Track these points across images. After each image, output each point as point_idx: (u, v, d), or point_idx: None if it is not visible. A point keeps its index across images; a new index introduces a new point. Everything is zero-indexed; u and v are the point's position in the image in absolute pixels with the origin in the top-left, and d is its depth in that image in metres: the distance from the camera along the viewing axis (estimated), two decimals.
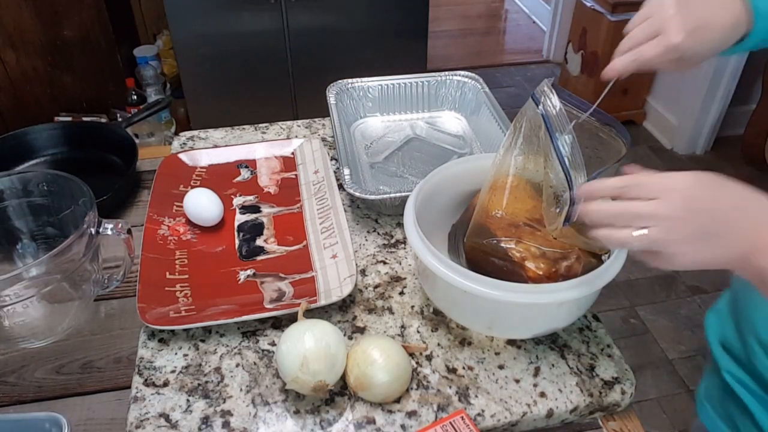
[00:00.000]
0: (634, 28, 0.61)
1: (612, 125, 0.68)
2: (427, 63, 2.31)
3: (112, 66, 2.30)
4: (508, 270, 0.68)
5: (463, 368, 0.71)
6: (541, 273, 0.67)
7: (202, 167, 1.00)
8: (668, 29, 0.59)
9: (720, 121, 2.62)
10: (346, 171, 0.90)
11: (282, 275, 0.81)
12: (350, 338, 0.75)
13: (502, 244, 0.68)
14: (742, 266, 0.50)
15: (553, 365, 0.72)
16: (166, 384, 0.70)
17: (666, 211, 0.49)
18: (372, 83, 1.12)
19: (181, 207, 0.90)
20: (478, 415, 0.67)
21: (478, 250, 0.71)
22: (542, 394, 0.69)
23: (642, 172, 0.54)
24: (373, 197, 0.87)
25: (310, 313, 0.74)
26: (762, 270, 0.49)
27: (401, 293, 0.81)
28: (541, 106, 0.64)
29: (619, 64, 0.61)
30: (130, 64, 2.41)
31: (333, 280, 0.79)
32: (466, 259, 0.72)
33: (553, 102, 0.64)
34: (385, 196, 0.87)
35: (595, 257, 0.68)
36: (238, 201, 0.95)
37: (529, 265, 0.67)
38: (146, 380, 0.70)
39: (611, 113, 0.68)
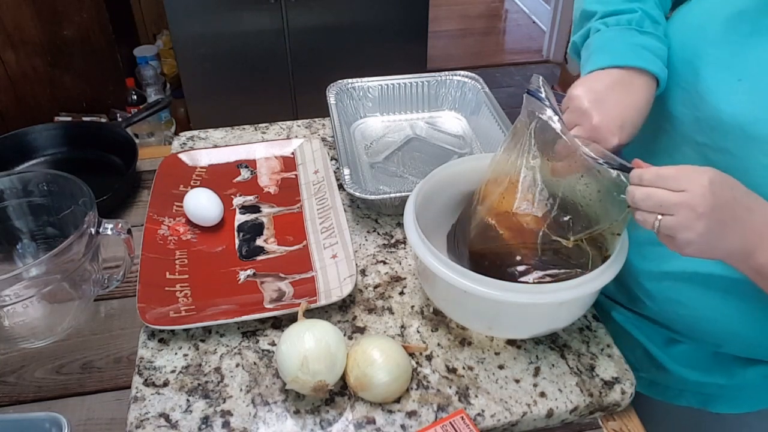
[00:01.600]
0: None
1: None
2: (427, 63, 2.31)
3: (112, 66, 2.30)
4: (511, 273, 0.68)
5: (463, 368, 0.71)
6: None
7: (202, 167, 1.00)
8: (601, 138, 0.63)
9: None
10: (346, 171, 0.90)
11: (282, 275, 0.81)
12: (350, 338, 0.75)
13: (509, 250, 0.68)
14: (741, 261, 0.55)
15: (553, 365, 0.72)
16: (166, 384, 0.70)
17: (690, 202, 0.53)
18: (372, 83, 1.12)
19: (181, 207, 0.90)
20: (478, 415, 0.67)
21: (484, 253, 0.70)
22: (542, 394, 0.69)
23: (650, 165, 0.57)
24: (373, 197, 0.87)
25: (310, 313, 0.74)
26: (760, 265, 0.55)
27: (401, 293, 0.81)
28: (548, 106, 0.65)
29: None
30: (130, 64, 2.41)
31: (333, 280, 0.79)
32: (470, 259, 0.72)
33: (554, 99, 0.65)
34: (385, 196, 0.87)
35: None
36: (238, 201, 0.95)
37: (533, 275, 0.67)
38: (146, 380, 0.70)
39: None
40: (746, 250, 0.54)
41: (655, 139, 0.71)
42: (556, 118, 0.65)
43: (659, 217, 0.54)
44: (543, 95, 0.65)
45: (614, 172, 0.61)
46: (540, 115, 0.66)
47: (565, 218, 0.67)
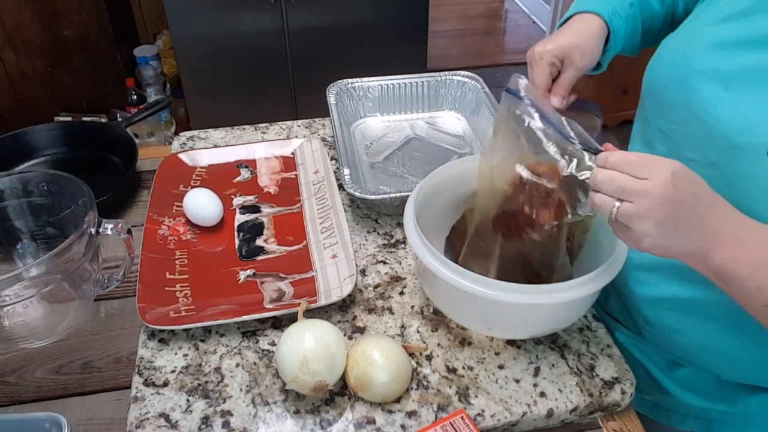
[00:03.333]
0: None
1: (582, 107, 0.71)
2: (427, 63, 2.31)
3: (112, 66, 2.30)
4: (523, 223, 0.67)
5: (463, 368, 0.71)
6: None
7: (202, 167, 1.00)
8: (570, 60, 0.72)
9: None
10: (346, 171, 0.90)
11: (282, 275, 0.81)
12: (350, 338, 0.75)
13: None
14: (698, 260, 0.55)
15: (553, 365, 0.72)
16: (166, 384, 0.70)
17: (651, 192, 0.52)
18: (372, 83, 1.12)
19: (181, 207, 0.90)
20: (478, 415, 0.67)
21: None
22: (542, 394, 0.69)
23: (619, 150, 0.57)
24: (373, 197, 0.87)
25: (310, 313, 0.74)
26: (717, 266, 0.54)
27: (401, 293, 0.81)
28: (528, 102, 0.65)
29: (557, 101, 0.72)
30: (130, 64, 2.41)
31: (333, 280, 0.79)
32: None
33: (533, 95, 0.66)
34: (385, 196, 0.87)
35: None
36: (238, 201, 0.95)
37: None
38: (146, 380, 0.70)
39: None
40: (703, 249, 0.54)
41: None
42: (532, 110, 0.65)
43: (617, 204, 0.54)
44: (522, 94, 0.66)
45: (586, 156, 0.60)
46: (517, 111, 0.66)
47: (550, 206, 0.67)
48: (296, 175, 0.99)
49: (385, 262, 0.85)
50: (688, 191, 0.53)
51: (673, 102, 0.66)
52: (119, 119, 1.17)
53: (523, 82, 0.68)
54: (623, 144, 0.79)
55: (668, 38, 0.71)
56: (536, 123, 0.64)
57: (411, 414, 0.66)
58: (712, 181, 0.57)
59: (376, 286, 0.82)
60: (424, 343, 0.74)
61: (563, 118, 0.65)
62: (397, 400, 0.68)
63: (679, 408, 0.79)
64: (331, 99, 1.08)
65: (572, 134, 0.63)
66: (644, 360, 0.80)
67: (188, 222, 0.89)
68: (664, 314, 0.72)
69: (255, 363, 0.72)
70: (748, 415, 0.74)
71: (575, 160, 0.61)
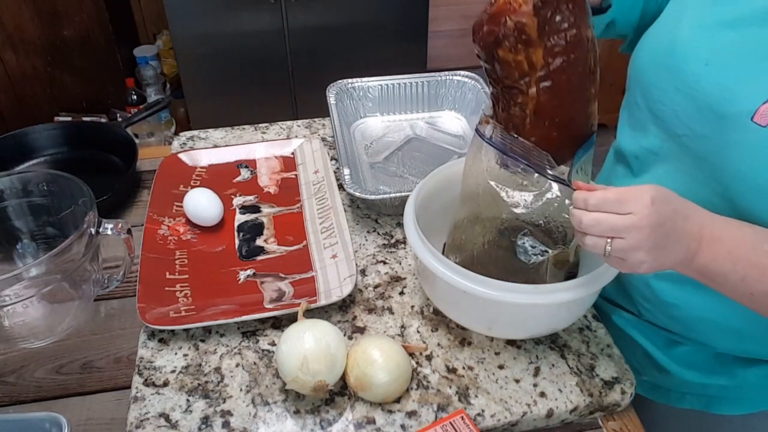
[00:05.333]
0: None
1: None
2: (427, 63, 2.30)
3: (112, 66, 2.30)
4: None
5: (463, 368, 0.71)
6: None
7: (202, 167, 1.00)
8: None
9: None
10: (346, 171, 0.90)
11: (282, 275, 0.81)
12: (350, 338, 0.75)
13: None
14: (686, 266, 0.59)
15: (553, 365, 0.72)
16: (166, 384, 0.70)
17: (639, 224, 0.55)
18: (372, 83, 1.12)
19: (181, 207, 0.90)
20: (478, 415, 0.67)
21: None
22: (542, 394, 0.69)
23: (597, 188, 0.59)
24: (373, 197, 0.87)
25: (310, 313, 0.74)
26: (702, 266, 0.58)
27: (401, 293, 0.81)
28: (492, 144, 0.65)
29: None
30: (130, 64, 2.41)
31: (333, 280, 0.79)
32: None
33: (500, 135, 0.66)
34: (385, 196, 0.87)
35: None
36: (238, 201, 0.95)
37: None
38: (146, 380, 0.70)
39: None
40: (689, 256, 0.57)
41: (640, 141, 0.74)
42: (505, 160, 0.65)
43: (609, 240, 0.56)
44: (490, 136, 0.66)
45: (555, 186, 0.63)
46: (489, 160, 0.66)
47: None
48: (296, 175, 0.99)
49: (385, 262, 0.85)
50: (668, 211, 0.56)
51: (660, 84, 0.69)
52: (119, 119, 1.17)
53: (490, 127, 0.67)
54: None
55: (650, 28, 0.73)
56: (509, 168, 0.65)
57: (411, 414, 0.66)
58: (704, 153, 0.61)
59: (376, 286, 0.82)
60: (424, 343, 0.74)
61: (537, 152, 0.65)
62: (397, 400, 0.68)
63: (679, 386, 0.80)
64: (331, 99, 1.08)
65: (548, 169, 0.64)
66: (643, 341, 0.81)
67: (188, 222, 0.89)
68: (660, 289, 0.74)
69: (255, 363, 0.72)
70: (747, 388, 0.75)
71: (555, 205, 0.63)
